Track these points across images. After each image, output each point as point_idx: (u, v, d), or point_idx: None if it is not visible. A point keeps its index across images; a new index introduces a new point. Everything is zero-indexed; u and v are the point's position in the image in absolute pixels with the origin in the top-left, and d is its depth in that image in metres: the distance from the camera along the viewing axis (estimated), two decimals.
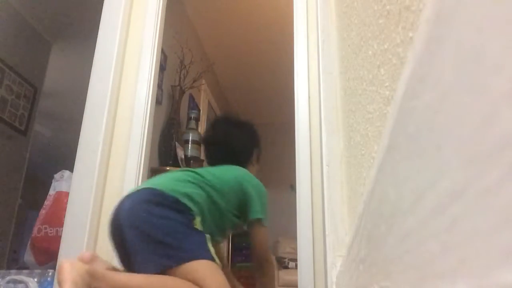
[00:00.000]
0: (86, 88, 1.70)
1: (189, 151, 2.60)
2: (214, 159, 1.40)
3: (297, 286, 1.47)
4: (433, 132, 0.23)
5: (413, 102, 0.26)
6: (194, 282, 0.84)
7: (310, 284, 1.42)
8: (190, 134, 2.66)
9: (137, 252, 0.92)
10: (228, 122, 1.56)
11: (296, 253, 1.54)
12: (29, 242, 2.10)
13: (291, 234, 2.05)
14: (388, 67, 0.41)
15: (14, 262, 2.89)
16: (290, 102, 1.73)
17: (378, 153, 0.38)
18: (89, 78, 1.72)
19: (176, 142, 2.43)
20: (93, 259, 0.87)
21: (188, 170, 1.20)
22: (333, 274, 0.86)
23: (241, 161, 1.39)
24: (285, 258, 4.01)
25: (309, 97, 1.68)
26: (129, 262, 0.96)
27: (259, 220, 1.25)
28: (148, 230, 0.93)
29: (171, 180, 1.09)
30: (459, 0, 0.19)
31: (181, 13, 3.02)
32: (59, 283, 0.71)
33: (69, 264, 0.73)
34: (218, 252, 1.00)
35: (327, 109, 1.11)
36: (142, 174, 1.61)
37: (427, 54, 0.24)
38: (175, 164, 2.34)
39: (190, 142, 2.63)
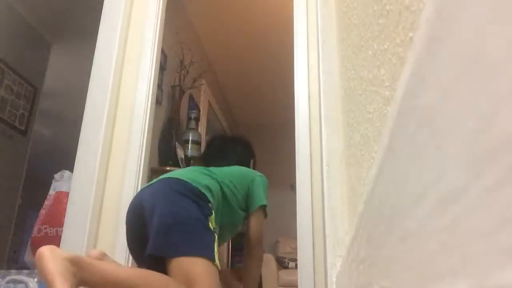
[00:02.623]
0: (86, 88, 1.70)
1: (189, 151, 2.60)
2: None
3: (297, 286, 1.47)
4: (433, 132, 0.23)
5: (413, 102, 0.26)
6: (185, 279, 0.83)
7: (310, 284, 1.42)
8: (190, 134, 2.66)
9: (151, 237, 0.92)
10: (223, 138, 1.63)
11: (296, 253, 1.54)
12: (29, 242, 2.10)
13: (291, 234, 2.05)
14: (388, 67, 0.41)
15: (14, 262, 2.89)
16: (290, 102, 1.73)
17: (378, 153, 0.38)
18: (89, 78, 1.72)
19: (176, 142, 2.43)
20: (101, 257, 0.86)
21: (201, 167, 1.24)
22: (333, 274, 0.86)
23: None
24: (285, 258, 4.01)
25: (309, 97, 1.68)
26: (139, 251, 0.96)
27: (263, 207, 1.29)
28: (165, 216, 0.93)
29: (192, 171, 1.12)
30: (459, 0, 0.19)
31: (181, 13, 3.02)
32: (42, 274, 0.66)
33: (49, 252, 0.69)
34: (219, 254, 1.01)
35: (327, 109, 1.11)
36: (142, 174, 1.61)
37: (427, 54, 0.24)
38: (175, 164, 2.33)
39: (190, 142, 2.63)
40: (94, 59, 1.74)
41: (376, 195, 0.38)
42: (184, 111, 2.84)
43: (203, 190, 1.02)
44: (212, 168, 1.24)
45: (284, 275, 3.74)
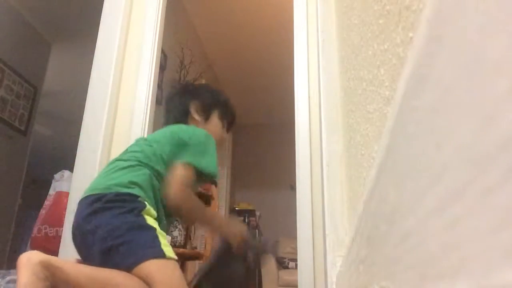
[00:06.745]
0: (86, 88, 1.70)
1: None
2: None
3: (297, 286, 1.47)
4: (433, 132, 0.23)
5: (413, 102, 0.26)
6: (148, 284, 0.80)
7: (310, 284, 1.42)
8: None
9: (95, 262, 0.86)
10: (168, 94, 1.40)
11: (296, 253, 1.54)
12: (29, 242, 2.10)
13: (291, 234, 2.05)
14: (388, 67, 0.41)
15: (14, 262, 2.89)
16: (290, 102, 1.73)
17: (378, 153, 0.38)
18: (89, 78, 1.72)
19: None
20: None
21: (129, 149, 1.08)
22: (333, 274, 0.86)
23: (182, 121, 1.21)
24: (285, 258, 4.01)
25: (309, 97, 1.68)
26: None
27: (187, 164, 1.03)
28: (97, 245, 0.86)
29: (105, 175, 0.99)
30: (459, 0, 0.19)
31: (181, 13, 3.02)
32: (17, 283, 0.69)
33: (26, 260, 0.71)
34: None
35: (327, 109, 1.11)
36: None
37: (427, 54, 0.24)
38: None
39: None
40: (94, 59, 1.74)
41: (376, 195, 0.38)
42: None
43: (126, 190, 0.91)
44: (143, 142, 1.08)
45: (284, 275, 3.74)
